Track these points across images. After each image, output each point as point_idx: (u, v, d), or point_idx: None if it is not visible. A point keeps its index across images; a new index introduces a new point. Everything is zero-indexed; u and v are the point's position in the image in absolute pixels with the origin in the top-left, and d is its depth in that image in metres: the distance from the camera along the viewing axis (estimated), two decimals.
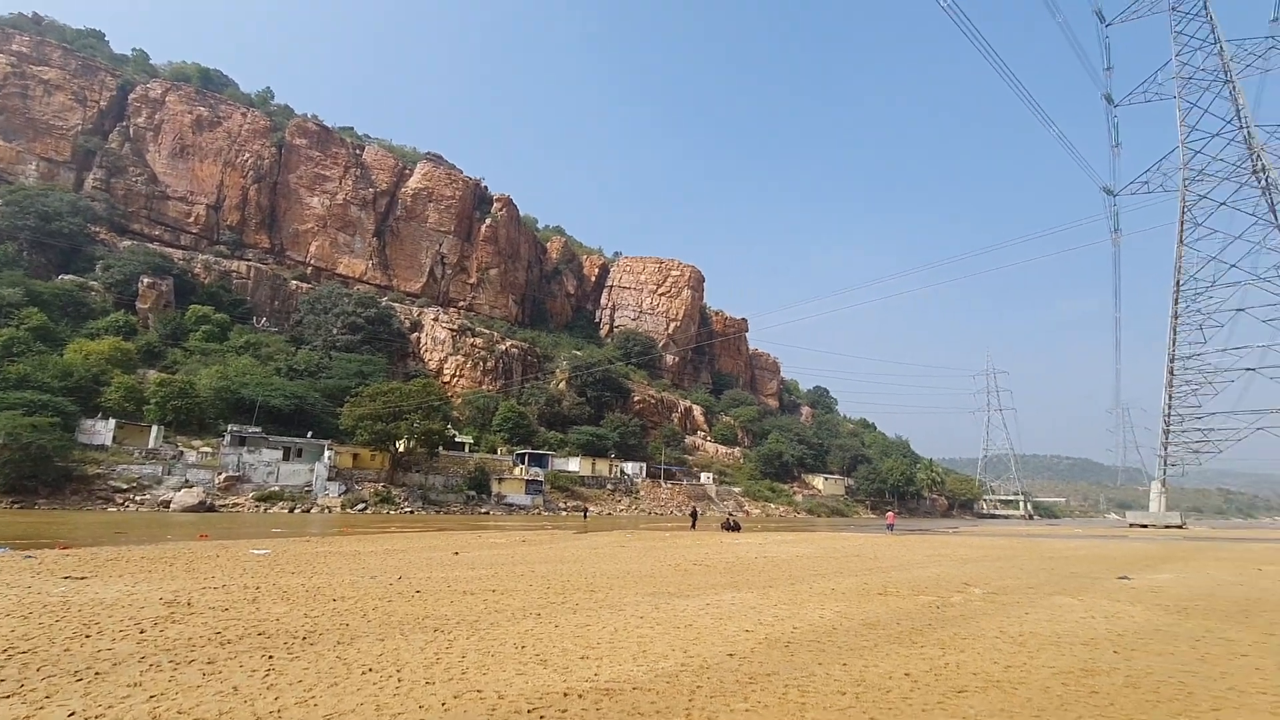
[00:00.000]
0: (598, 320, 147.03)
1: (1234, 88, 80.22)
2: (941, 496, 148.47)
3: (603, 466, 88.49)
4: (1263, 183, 77.53)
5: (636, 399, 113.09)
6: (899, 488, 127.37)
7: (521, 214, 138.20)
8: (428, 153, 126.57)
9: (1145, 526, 73.23)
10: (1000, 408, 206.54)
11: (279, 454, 57.08)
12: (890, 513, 66.63)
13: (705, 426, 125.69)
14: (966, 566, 20.38)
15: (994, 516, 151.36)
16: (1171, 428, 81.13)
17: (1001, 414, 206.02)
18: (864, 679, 6.96)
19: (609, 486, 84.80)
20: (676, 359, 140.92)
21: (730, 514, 65.88)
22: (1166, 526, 71.72)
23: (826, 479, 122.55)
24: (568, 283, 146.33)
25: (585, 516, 64.23)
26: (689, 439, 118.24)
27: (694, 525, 45.63)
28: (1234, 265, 79.35)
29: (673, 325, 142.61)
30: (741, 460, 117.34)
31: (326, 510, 53.63)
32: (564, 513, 70.74)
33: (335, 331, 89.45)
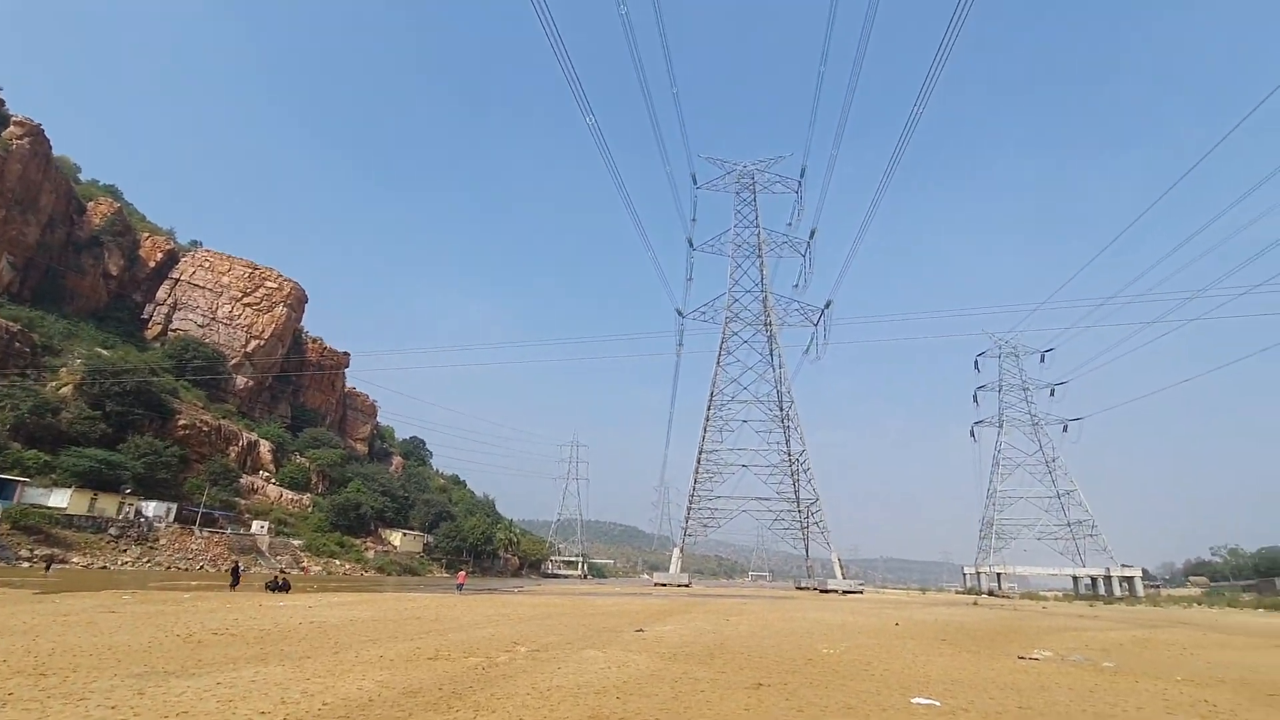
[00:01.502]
0: (146, 317, 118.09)
1: (762, 261, 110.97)
2: (515, 556, 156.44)
3: (109, 504, 68.89)
4: (769, 333, 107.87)
5: (183, 423, 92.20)
6: (478, 546, 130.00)
7: (57, 154, 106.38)
8: None
9: (665, 585, 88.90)
10: (578, 477, 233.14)
11: None
12: (462, 572, 66.97)
13: (272, 466, 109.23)
14: (520, 625, 21.42)
15: (558, 576, 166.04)
16: (693, 505, 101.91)
17: (578, 483, 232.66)
18: None
19: (112, 531, 65.97)
20: (252, 383, 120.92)
21: (281, 571, 57.45)
22: (679, 585, 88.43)
23: (406, 535, 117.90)
24: (111, 260, 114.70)
25: (48, 570, 47.35)
26: (248, 479, 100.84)
27: (234, 584, 38.31)
28: (745, 388, 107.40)
29: (255, 343, 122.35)
30: (311, 509, 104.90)
31: None
32: (28, 564, 52.25)
33: None
